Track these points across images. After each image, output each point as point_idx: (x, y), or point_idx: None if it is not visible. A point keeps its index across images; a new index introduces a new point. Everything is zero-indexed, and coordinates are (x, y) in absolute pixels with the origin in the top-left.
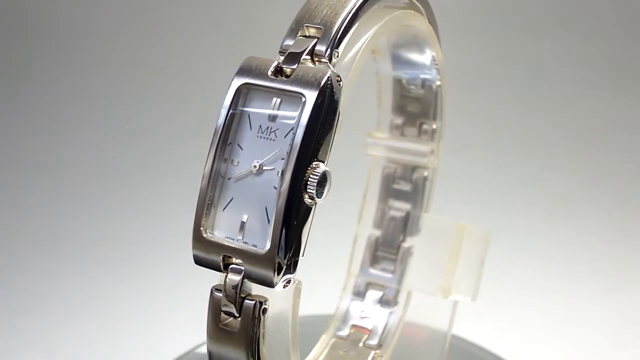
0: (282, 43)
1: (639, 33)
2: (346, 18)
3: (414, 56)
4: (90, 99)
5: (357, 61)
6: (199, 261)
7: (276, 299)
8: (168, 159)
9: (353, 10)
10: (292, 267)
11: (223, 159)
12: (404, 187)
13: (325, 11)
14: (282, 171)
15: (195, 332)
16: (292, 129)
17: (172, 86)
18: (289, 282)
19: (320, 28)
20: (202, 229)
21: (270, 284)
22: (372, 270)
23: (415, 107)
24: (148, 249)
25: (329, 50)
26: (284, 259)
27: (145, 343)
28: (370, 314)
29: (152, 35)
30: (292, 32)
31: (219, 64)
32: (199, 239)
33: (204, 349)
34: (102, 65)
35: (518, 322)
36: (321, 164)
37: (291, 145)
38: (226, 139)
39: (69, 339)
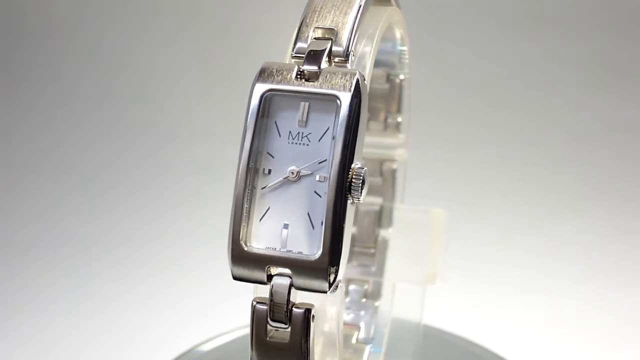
0: (294, 46)
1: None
2: (356, 17)
3: (380, 51)
4: (91, 99)
5: (371, 60)
6: (238, 276)
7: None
8: (169, 160)
9: (361, 9)
10: (340, 270)
11: (254, 169)
12: (374, 181)
13: (333, 11)
14: (327, 176)
15: (194, 330)
16: (326, 132)
17: (174, 87)
18: (337, 286)
19: (333, 29)
20: (241, 242)
21: (324, 291)
22: (351, 267)
23: (378, 102)
24: (148, 249)
25: (346, 51)
26: (335, 264)
27: (145, 342)
28: (355, 309)
29: (153, 35)
30: (303, 34)
31: (221, 65)
32: (239, 253)
33: (203, 348)
34: (102, 65)
35: (518, 321)
36: (358, 164)
37: (332, 148)
38: (255, 148)
39: (68, 338)
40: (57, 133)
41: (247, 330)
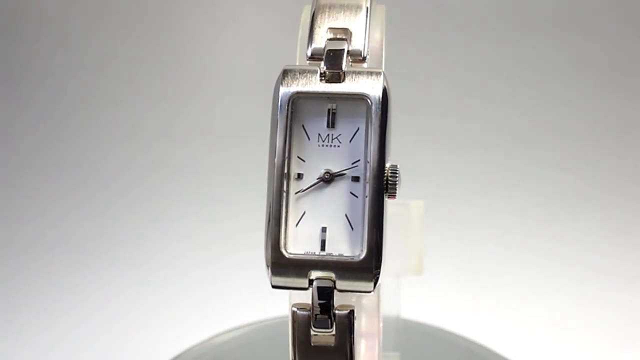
0: (309, 47)
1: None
2: (367, 17)
3: None
4: (89, 98)
5: (383, 59)
6: (278, 285)
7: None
8: (170, 159)
9: (369, 7)
10: (382, 269)
11: (285, 174)
12: None
13: (342, 11)
14: (361, 176)
15: (194, 330)
16: (356, 132)
17: (173, 87)
18: (378, 285)
19: (347, 29)
20: (282, 249)
21: (369, 291)
22: None
23: None
24: (148, 248)
25: (364, 50)
26: (379, 263)
27: (145, 342)
28: None
29: (152, 34)
30: (316, 35)
31: (219, 65)
32: (279, 261)
33: (203, 347)
34: (100, 65)
35: (518, 321)
36: (390, 162)
37: (368, 148)
38: (285, 153)
39: (68, 338)
40: (57, 132)
41: (247, 330)
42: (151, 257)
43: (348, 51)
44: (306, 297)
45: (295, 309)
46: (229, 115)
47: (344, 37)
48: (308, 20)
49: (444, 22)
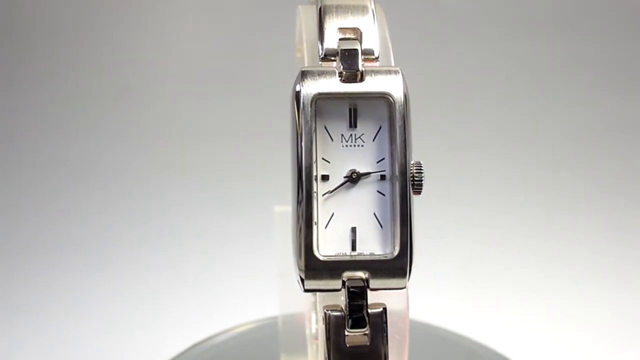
0: (322, 47)
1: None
2: (374, 16)
3: None
4: (90, 98)
5: (392, 58)
6: (311, 288)
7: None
8: (169, 160)
9: (374, 7)
10: (414, 265)
11: (313, 177)
12: None
13: (350, 12)
14: (387, 174)
15: (194, 330)
16: (379, 131)
17: (173, 87)
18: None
19: (357, 29)
20: (315, 253)
21: (402, 287)
22: None
23: None
24: (147, 248)
25: (375, 49)
26: (412, 259)
27: (145, 342)
28: None
29: (152, 34)
30: (327, 36)
31: (220, 65)
32: (314, 264)
33: (202, 347)
34: (100, 65)
35: (518, 321)
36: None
37: (394, 146)
38: (311, 156)
39: (68, 338)
40: (57, 132)
41: (247, 330)
42: (151, 257)
43: (362, 50)
44: (335, 298)
45: (327, 311)
46: (230, 116)
47: (355, 36)
48: (311, 20)
49: (444, 22)
